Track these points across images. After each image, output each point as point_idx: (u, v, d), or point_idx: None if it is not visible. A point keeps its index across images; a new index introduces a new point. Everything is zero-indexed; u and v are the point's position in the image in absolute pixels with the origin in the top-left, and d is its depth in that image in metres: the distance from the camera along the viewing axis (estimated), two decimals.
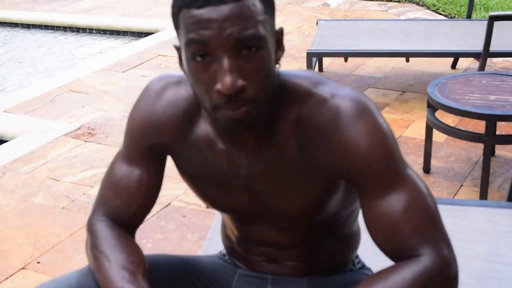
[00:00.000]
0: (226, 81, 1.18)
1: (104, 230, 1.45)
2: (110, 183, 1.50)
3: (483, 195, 3.07)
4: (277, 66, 1.31)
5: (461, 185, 3.31)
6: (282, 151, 1.35)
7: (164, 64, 5.44)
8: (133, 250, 1.42)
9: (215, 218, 2.35)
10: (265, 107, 1.27)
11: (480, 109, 2.98)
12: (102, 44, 6.67)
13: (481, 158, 3.56)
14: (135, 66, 5.43)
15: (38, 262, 2.84)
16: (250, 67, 1.21)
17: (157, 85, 1.46)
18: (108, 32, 6.91)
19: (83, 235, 3.03)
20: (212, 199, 1.48)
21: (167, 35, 6.24)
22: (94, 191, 3.43)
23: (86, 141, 4.05)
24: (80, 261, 2.83)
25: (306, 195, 1.39)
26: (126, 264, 1.37)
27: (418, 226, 1.31)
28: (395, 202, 1.32)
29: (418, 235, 1.32)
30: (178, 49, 1.34)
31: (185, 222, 3.10)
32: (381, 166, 1.31)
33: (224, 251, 1.73)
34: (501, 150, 3.64)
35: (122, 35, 6.85)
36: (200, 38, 1.18)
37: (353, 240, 1.60)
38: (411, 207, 1.32)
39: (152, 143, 1.45)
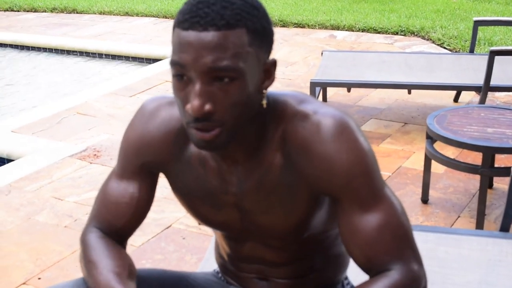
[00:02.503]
0: (193, 103, 1.24)
1: (94, 240, 1.52)
2: (102, 199, 1.57)
3: (479, 226, 3.11)
4: (264, 91, 1.35)
5: (458, 216, 3.36)
6: (269, 167, 1.42)
7: (171, 90, 5.51)
8: (120, 256, 1.48)
9: (212, 239, 2.40)
10: (236, 132, 1.32)
11: (477, 141, 3.04)
12: (111, 69, 6.77)
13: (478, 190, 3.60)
14: (142, 91, 5.52)
15: (39, 278, 2.89)
16: (221, 95, 1.26)
17: (150, 106, 1.51)
18: (117, 58, 7.01)
19: None
20: (203, 216, 1.54)
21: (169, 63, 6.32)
22: None
23: (91, 163, 4.12)
24: None
25: (292, 211, 1.44)
26: (113, 268, 1.43)
27: (392, 243, 1.39)
28: (371, 219, 1.38)
29: (391, 251, 1.39)
30: None
31: (184, 244, 3.16)
32: (359, 184, 1.37)
33: (218, 269, 1.78)
34: (499, 183, 3.69)
35: (131, 60, 6.95)
36: (179, 61, 1.25)
37: (342, 260, 1.65)
38: (386, 225, 1.39)
39: (145, 161, 1.52)
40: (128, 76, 5.97)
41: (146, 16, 8.62)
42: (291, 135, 1.39)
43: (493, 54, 3.99)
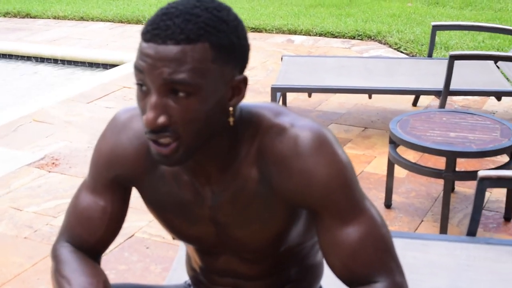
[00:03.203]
0: (148, 115, 1.22)
1: (66, 255, 1.48)
2: (74, 212, 1.52)
3: (443, 230, 3.13)
4: (230, 110, 1.31)
5: (422, 220, 3.37)
6: (245, 182, 1.38)
7: (129, 96, 5.45)
8: (94, 272, 1.44)
9: (179, 249, 2.36)
10: (196, 148, 1.29)
11: (441, 145, 3.05)
12: (67, 74, 6.66)
13: (441, 194, 3.63)
14: (100, 98, 5.44)
15: None
16: (177, 109, 1.23)
17: (123, 117, 1.47)
18: (73, 63, 6.91)
19: (46, 265, 3.01)
20: (178, 230, 1.50)
21: (132, 67, 6.26)
22: (58, 221, 3.42)
23: (49, 171, 4.04)
24: None
25: (268, 225, 1.42)
26: (87, 285, 1.38)
27: (374, 255, 1.37)
28: (352, 232, 1.36)
29: (374, 263, 1.37)
30: None
31: (148, 254, 3.11)
32: (339, 197, 1.35)
33: (189, 281, 1.74)
34: (460, 187, 3.72)
35: (87, 66, 6.85)
36: (138, 67, 1.24)
37: (317, 270, 1.63)
38: (367, 237, 1.37)
39: (117, 174, 1.47)
40: (84, 82, 5.88)
41: (102, 20, 8.52)
42: (268, 149, 1.36)
43: (452, 58, 4.02)
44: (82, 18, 8.67)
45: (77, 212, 1.51)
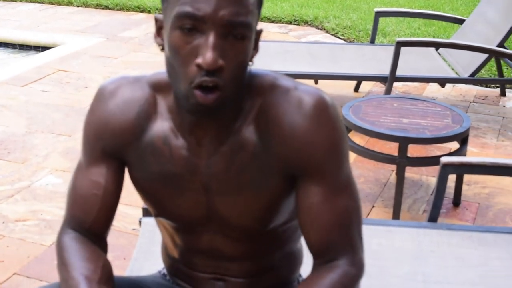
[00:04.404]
0: (207, 55, 1.19)
1: (68, 242, 1.43)
2: (70, 195, 1.47)
3: (396, 216, 3.14)
4: (250, 63, 1.32)
5: (373, 206, 3.38)
6: (242, 143, 1.35)
7: (65, 80, 5.29)
8: (94, 257, 1.39)
9: (140, 238, 2.29)
10: (234, 97, 1.28)
11: (395, 131, 3.06)
12: None
13: (389, 180, 3.65)
14: (35, 81, 5.26)
15: None
16: (232, 52, 1.22)
17: (110, 86, 1.43)
18: (3, 45, 6.67)
19: None
20: (164, 203, 1.44)
21: (67, 50, 6.08)
22: None
23: None
24: None
25: (262, 193, 1.38)
26: (85, 272, 1.34)
27: (348, 230, 1.38)
28: (336, 202, 1.36)
29: (347, 240, 1.38)
30: (158, 20, 1.33)
31: None
32: (334, 166, 1.35)
33: (164, 271, 1.69)
34: (408, 172, 3.75)
35: (18, 48, 6.62)
36: (195, 12, 1.19)
37: (297, 258, 1.61)
38: (347, 213, 1.38)
39: (107, 144, 1.42)
40: (17, 65, 5.68)
41: (31, 2, 8.25)
42: (271, 109, 1.33)
43: (399, 45, 4.04)
44: None
45: (73, 194, 1.46)
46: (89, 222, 1.45)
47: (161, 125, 1.39)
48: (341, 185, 1.36)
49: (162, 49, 1.31)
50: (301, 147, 1.32)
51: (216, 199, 1.41)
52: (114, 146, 1.42)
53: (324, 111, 1.32)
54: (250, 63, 1.32)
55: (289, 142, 1.33)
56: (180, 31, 1.22)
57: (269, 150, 1.34)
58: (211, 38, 1.19)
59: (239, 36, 1.22)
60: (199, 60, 1.20)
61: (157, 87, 1.40)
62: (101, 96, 1.43)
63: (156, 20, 1.33)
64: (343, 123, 1.37)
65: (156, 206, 1.46)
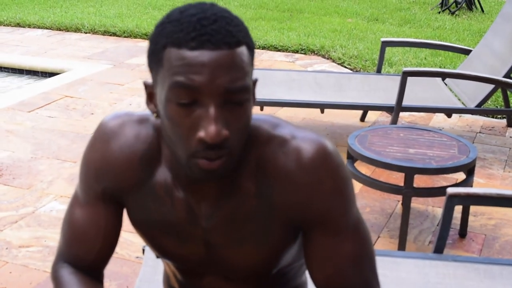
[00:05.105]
0: (211, 129, 1.13)
1: (67, 277, 1.40)
2: (68, 230, 1.43)
3: (402, 246, 3.12)
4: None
5: (378, 236, 3.36)
6: (243, 198, 1.31)
7: (72, 106, 5.31)
8: None
9: (143, 267, 2.28)
10: (236, 159, 1.23)
11: (401, 161, 3.05)
12: (4, 82, 6.45)
13: (395, 210, 3.63)
14: (41, 107, 5.28)
15: None
16: (234, 118, 1.17)
17: (112, 123, 1.37)
18: (10, 70, 6.70)
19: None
20: (165, 249, 1.41)
21: (73, 76, 6.11)
22: (3, 234, 3.27)
23: None
24: None
25: (263, 245, 1.35)
26: None
27: (361, 274, 1.34)
28: (344, 247, 1.32)
29: (360, 282, 1.34)
30: (148, 86, 1.26)
31: None
32: (339, 213, 1.31)
33: None
34: (414, 203, 3.73)
35: (25, 74, 6.65)
36: (190, 83, 1.13)
37: None
38: (357, 256, 1.34)
39: (108, 185, 1.37)
40: (24, 90, 5.70)
41: (39, 27, 8.30)
42: (269, 161, 1.29)
43: (406, 75, 4.04)
44: (18, 24, 8.43)
45: (72, 230, 1.42)
46: (89, 260, 1.42)
47: (164, 174, 1.34)
48: (348, 230, 1.32)
49: (157, 116, 1.25)
50: (303, 199, 1.28)
51: (216, 250, 1.38)
52: (114, 189, 1.38)
53: (324, 160, 1.28)
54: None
55: (290, 196, 1.29)
56: (177, 104, 1.15)
57: (270, 203, 1.31)
58: (211, 110, 1.13)
59: (238, 102, 1.16)
60: (202, 134, 1.14)
61: (167, 143, 1.29)
62: (103, 133, 1.37)
63: (146, 86, 1.27)
64: (345, 167, 1.32)
65: (156, 249, 1.43)
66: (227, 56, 1.13)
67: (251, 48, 1.19)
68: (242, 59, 1.15)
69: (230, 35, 1.14)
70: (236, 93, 1.15)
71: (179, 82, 1.13)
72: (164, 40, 1.16)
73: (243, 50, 1.16)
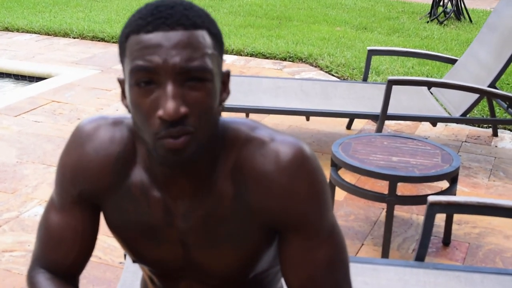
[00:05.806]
0: (168, 106, 1.15)
1: (44, 282, 1.40)
2: (44, 235, 1.43)
3: (385, 254, 3.13)
4: (221, 107, 1.29)
5: (362, 244, 3.37)
6: (219, 198, 1.32)
7: (58, 111, 5.30)
8: None
9: (124, 272, 2.27)
10: (204, 143, 1.24)
11: (384, 169, 3.06)
12: None
13: (379, 218, 3.64)
14: (28, 111, 5.27)
15: None
16: (193, 96, 1.18)
17: (88, 126, 1.38)
18: None
19: None
20: (141, 252, 1.42)
21: (61, 81, 6.09)
22: None
23: None
24: None
25: (241, 246, 1.36)
26: None
27: (334, 280, 1.35)
28: (319, 252, 1.33)
29: (332, 287, 1.35)
30: (121, 82, 1.29)
31: (85, 275, 2.99)
32: (315, 218, 1.32)
33: None
34: (398, 211, 3.74)
35: (12, 78, 6.63)
36: (146, 65, 1.16)
37: None
38: (332, 260, 1.35)
39: (83, 188, 1.38)
40: (11, 95, 5.69)
41: (28, 32, 8.28)
42: (247, 163, 1.30)
43: (391, 83, 4.06)
44: (6, 29, 8.41)
45: (48, 235, 1.42)
46: (66, 266, 1.42)
47: (140, 174, 1.35)
48: (324, 236, 1.33)
49: (129, 111, 1.26)
50: (280, 202, 1.29)
51: (193, 252, 1.38)
52: (90, 192, 1.38)
53: (302, 163, 1.28)
54: (222, 104, 1.28)
55: (267, 197, 1.29)
56: (137, 87, 1.18)
57: (247, 204, 1.31)
58: (168, 88, 1.16)
59: (198, 81, 1.18)
60: (160, 112, 1.16)
61: (137, 133, 1.34)
62: (78, 137, 1.38)
63: (120, 82, 1.30)
64: (323, 172, 1.33)
65: (132, 252, 1.43)
66: (182, 36, 1.17)
67: (214, 35, 1.22)
68: (199, 40, 1.18)
69: (185, 17, 1.18)
70: (193, 72, 1.17)
71: (138, 65, 1.17)
72: (126, 30, 1.21)
73: (202, 33, 1.19)
